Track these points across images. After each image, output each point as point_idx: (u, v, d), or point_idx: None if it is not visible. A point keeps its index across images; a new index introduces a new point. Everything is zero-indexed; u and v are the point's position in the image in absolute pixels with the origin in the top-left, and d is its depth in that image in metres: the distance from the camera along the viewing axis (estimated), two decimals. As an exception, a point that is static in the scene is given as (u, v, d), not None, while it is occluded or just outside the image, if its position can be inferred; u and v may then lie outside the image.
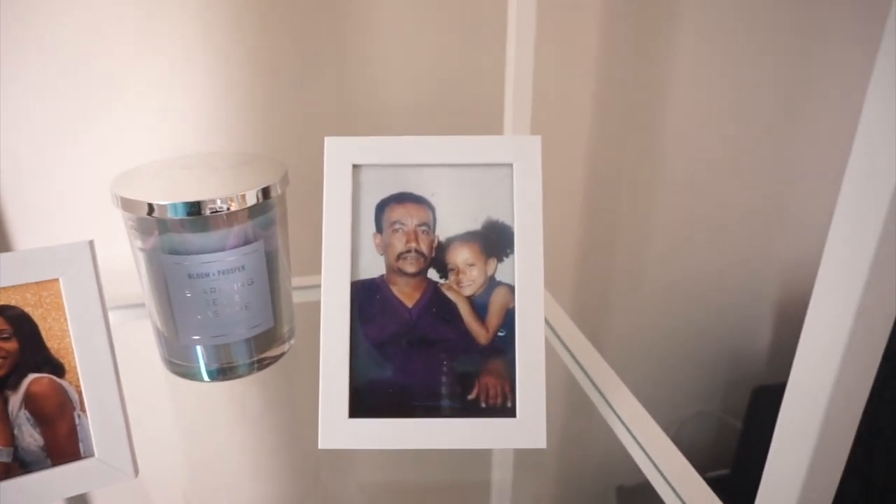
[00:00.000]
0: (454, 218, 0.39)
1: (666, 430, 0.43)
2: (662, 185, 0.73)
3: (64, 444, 0.34)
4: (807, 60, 0.70)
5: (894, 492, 0.61)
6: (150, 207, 0.39)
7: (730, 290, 0.81)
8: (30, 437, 0.34)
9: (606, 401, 0.45)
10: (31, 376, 0.34)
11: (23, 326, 0.34)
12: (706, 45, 0.67)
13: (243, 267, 0.42)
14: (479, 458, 0.44)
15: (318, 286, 0.38)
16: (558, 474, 0.49)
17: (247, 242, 0.42)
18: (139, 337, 0.51)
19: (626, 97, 0.68)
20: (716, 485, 0.38)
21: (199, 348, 0.44)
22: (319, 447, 0.37)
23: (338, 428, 0.37)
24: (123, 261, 0.48)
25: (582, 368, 0.49)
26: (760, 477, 0.28)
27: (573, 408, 0.49)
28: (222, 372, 0.45)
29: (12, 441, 0.34)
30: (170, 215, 0.39)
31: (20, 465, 0.34)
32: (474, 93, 0.63)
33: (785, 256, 0.81)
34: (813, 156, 0.75)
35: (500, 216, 0.39)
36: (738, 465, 0.82)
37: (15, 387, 0.34)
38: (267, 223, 0.43)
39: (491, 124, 0.62)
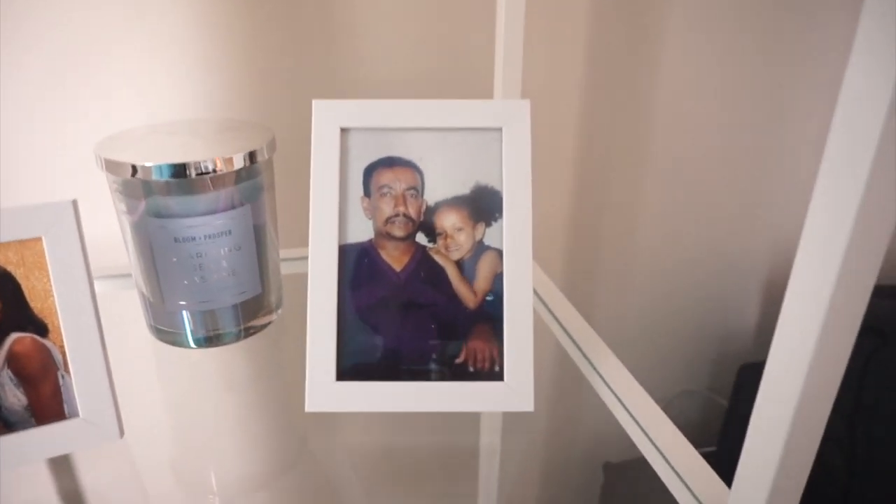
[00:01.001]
0: (443, 182, 0.39)
1: (653, 408, 0.43)
2: (651, 162, 0.73)
3: (48, 405, 0.34)
4: (794, 45, 0.70)
5: (876, 464, 0.62)
6: (134, 169, 0.39)
7: (717, 268, 0.82)
8: (13, 396, 0.34)
9: (597, 371, 0.45)
10: (14, 336, 0.34)
11: (5, 285, 0.33)
12: (700, 17, 0.67)
13: (230, 231, 0.42)
14: (468, 423, 0.45)
15: (306, 258, 0.38)
16: (547, 453, 0.49)
17: (233, 207, 0.42)
18: (125, 307, 0.50)
19: (617, 67, 0.68)
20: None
21: (185, 314, 0.44)
22: (306, 410, 0.37)
23: (325, 391, 0.37)
24: (108, 231, 0.47)
25: (572, 339, 0.49)
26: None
27: (562, 382, 0.50)
28: (209, 339, 0.45)
29: (-5, 400, 0.33)
30: (154, 177, 0.39)
31: (4, 424, 0.33)
32: (464, 60, 0.62)
33: (772, 235, 0.81)
34: (801, 137, 0.76)
35: (489, 181, 0.39)
36: (724, 441, 0.83)
37: (-3, 346, 0.33)
38: (254, 189, 0.43)
39: (481, 91, 0.61)
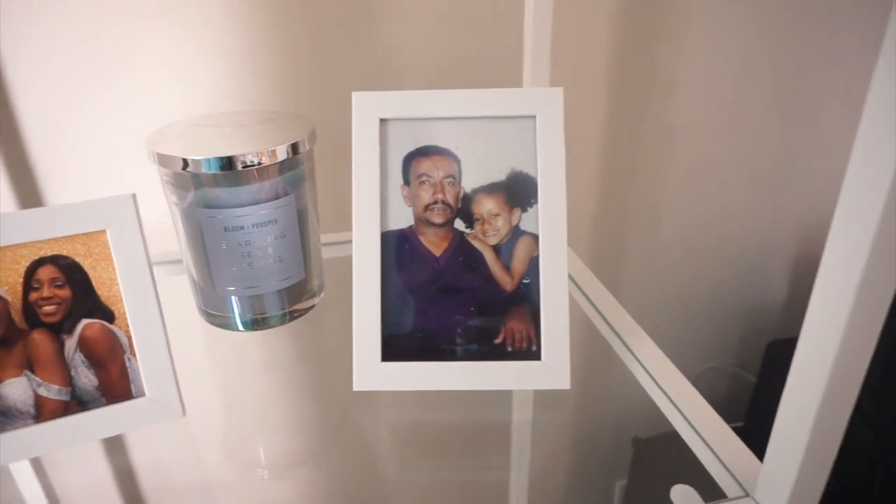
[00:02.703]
0: (479, 169, 0.40)
1: (681, 384, 0.44)
2: (678, 140, 0.73)
3: (117, 385, 0.37)
4: (827, 13, 0.70)
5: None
6: (185, 163, 0.41)
7: (745, 245, 0.82)
8: (85, 377, 0.36)
9: (628, 347, 0.47)
10: (84, 322, 0.36)
11: (74, 275, 0.36)
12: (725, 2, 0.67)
13: (276, 220, 0.44)
14: (502, 399, 0.46)
15: (345, 242, 0.39)
16: (577, 427, 0.51)
17: (278, 197, 0.44)
18: (175, 291, 0.53)
19: (643, 50, 0.68)
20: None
21: (234, 299, 0.46)
22: (354, 389, 0.39)
23: (371, 371, 0.39)
24: (156, 219, 0.49)
25: (602, 316, 0.51)
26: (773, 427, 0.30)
27: (592, 361, 0.51)
28: (255, 322, 0.48)
29: (69, 381, 0.36)
30: (204, 170, 0.41)
31: (78, 403, 0.36)
32: (493, 45, 0.63)
33: (800, 211, 0.81)
34: (830, 111, 0.75)
35: (524, 167, 0.40)
36: (751, 417, 0.84)
37: (70, 331, 0.36)
38: (296, 178, 0.45)
39: (510, 73, 0.62)
